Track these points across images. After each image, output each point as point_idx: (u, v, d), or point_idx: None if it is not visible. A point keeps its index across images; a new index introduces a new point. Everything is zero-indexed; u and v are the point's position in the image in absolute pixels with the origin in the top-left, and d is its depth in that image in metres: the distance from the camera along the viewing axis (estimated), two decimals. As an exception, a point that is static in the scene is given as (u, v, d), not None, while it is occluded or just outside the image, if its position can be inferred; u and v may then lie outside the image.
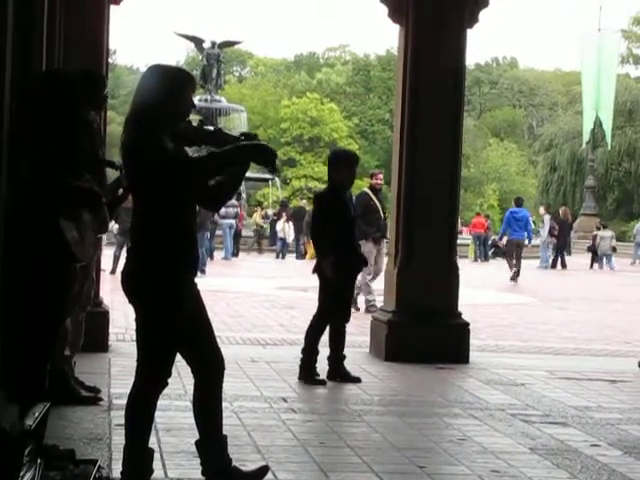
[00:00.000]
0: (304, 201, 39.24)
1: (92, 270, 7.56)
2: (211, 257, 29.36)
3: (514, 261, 26.77)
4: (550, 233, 33.99)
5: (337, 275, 8.87)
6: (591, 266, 36.05)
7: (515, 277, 26.48)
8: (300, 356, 9.00)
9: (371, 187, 15.96)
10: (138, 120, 4.73)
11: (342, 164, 9.14)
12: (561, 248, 34.88)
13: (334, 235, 8.93)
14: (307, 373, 8.87)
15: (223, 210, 31.90)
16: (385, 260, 14.48)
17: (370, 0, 11.48)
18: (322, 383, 8.81)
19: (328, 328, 9.08)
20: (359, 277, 14.35)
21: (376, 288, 12.21)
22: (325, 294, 9.02)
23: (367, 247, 14.86)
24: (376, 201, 15.57)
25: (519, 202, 28.07)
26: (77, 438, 6.17)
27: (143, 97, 4.78)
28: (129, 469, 4.78)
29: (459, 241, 11.97)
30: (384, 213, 15.52)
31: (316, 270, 9.08)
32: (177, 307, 4.71)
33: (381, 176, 16.46)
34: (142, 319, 4.79)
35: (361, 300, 15.54)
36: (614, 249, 36.61)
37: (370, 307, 14.94)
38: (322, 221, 9.11)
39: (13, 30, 6.11)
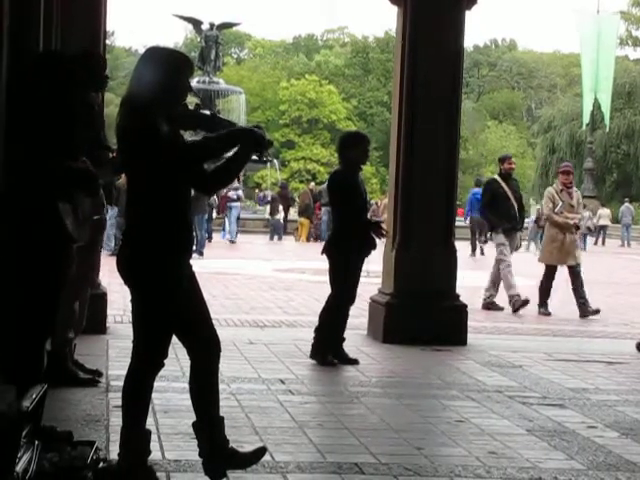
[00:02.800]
0: (312, 184, 39.04)
1: (91, 252, 7.54)
2: (209, 239, 29.34)
3: (479, 237, 28.68)
4: (537, 224, 33.91)
5: (349, 257, 8.86)
6: None
7: (473, 252, 28.44)
8: (313, 335, 8.99)
9: (501, 174, 14.65)
10: (134, 102, 4.72)
11: (347, 147, 9.08)
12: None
13: (346, 214, 8.93)
14: (319, 353, 8.87)
15: (232, 193, 31.99)
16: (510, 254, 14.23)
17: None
18: (332, 364, 8.79)
19: None
20: (500, 273, 14.05)
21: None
22: (335, 274, 8.95)
23: (498, 239, 14.31)
24: (506, 188, 14.34)
25: (478, 183, 29.40)
26: (75, 420, 6.18)
27: (140, 79, 4.76)
28: (126, 450, 4.79)
29: (457, 223, 11.91)
30: (518, 201, 14.41)
31: (325, 251, 9.05)
32: (172, 289, 4.71)
33: (513, 159, 14.99)
34: (138, 301, 4.79)
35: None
36: (589, 229, 37.09)
37: (515, 302, 14.12)
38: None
39: (10, 11, 6.10)
